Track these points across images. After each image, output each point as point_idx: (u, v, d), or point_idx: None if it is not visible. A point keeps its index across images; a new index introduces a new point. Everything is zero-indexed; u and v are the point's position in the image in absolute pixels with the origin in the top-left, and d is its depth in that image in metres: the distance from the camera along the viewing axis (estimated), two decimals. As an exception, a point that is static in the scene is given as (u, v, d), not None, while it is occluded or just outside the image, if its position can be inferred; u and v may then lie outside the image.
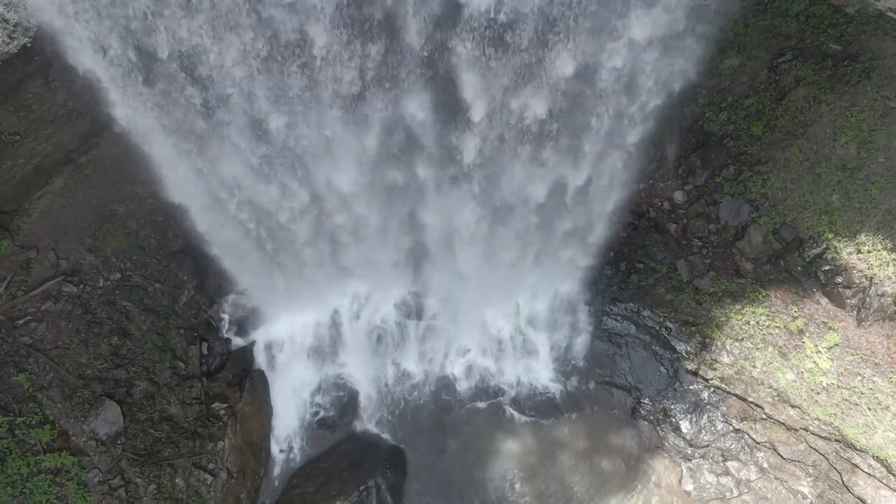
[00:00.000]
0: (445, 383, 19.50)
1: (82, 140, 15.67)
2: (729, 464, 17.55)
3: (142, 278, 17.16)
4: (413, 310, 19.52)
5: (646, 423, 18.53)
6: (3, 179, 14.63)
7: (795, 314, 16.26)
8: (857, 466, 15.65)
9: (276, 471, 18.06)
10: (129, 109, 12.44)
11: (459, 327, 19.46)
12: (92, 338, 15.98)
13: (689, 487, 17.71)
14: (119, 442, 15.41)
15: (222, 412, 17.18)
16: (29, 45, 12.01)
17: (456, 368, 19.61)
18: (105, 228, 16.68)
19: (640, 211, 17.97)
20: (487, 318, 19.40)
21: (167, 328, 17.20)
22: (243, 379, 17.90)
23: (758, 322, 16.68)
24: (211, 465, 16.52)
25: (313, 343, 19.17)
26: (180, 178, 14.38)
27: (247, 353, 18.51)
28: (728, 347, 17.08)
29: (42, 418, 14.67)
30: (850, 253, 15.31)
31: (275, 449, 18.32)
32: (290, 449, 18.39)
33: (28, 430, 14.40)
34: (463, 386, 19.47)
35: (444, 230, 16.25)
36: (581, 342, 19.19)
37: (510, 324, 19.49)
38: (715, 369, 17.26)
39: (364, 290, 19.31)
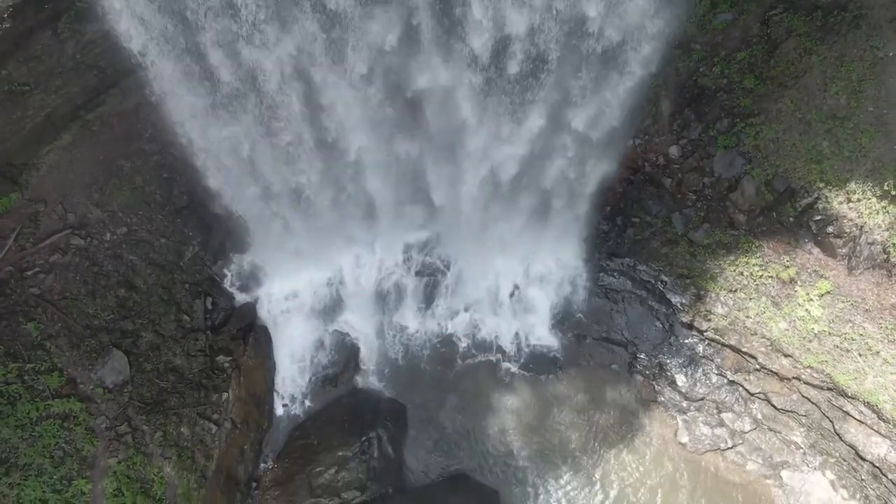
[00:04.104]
0: (446, 339, 19.85)
1: (90, 95, 16.00)
2: (723, 415, 17.82)
3: (147, 233, 17.49)
4: (415, 268, 19.81)
5: (642, 377, 18.81)
6: (14, 130, 14.98)
7: (788, 263, 16.53)
8: (848, 414, 15.89)
9: (279, 423, 18.39)
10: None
11: (460, 284, 19.77)
12: (99, 290, 16.32)
13: (685, 439, 17.98)
14: (126, 390, 15.69)
15: (226, 365, 17.50)
16: (39, -10, 12.45)
17: (456, 325, 19.94)
18: (112, 183, 17.00)
19: (635, 166, 18.22)
20: (487, 276, 19.66)
21: (172, 282, 17.53)
22: (247, 333, 18.22)
23: (751, 272, 16.95)
24: (215, 416, 16.82)
25: (316, 299, 19.46)
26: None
27: (250, 308, 18.79)
28: (722, 298, 17.35)
29: (50, 365, 14.98)
30: (841, 202, 15.57)
31: (277, 402, 18.67)
32: (293, 402, 18.72)
33: (36, 376, 14.69)
34: (462, 342, 19.80)
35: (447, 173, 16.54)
36: (578, 299, 19.46)
37: (509, 281, 19.75)
38: (709, 320, 17.53)
39: (367, 247, 19.61)
